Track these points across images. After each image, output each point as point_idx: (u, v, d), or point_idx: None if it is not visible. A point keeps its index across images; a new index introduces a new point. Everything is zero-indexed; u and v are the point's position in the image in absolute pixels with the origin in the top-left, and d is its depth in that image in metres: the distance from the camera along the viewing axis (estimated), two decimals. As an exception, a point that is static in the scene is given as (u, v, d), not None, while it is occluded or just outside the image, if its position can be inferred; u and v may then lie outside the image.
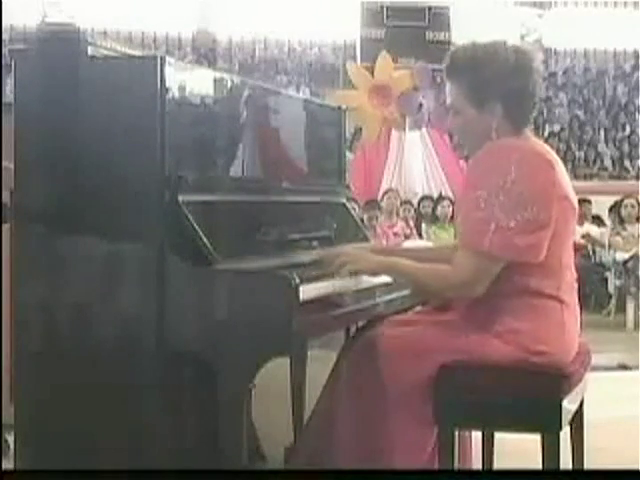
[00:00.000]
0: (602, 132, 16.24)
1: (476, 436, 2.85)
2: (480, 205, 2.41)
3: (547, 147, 2.59)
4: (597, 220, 10.18)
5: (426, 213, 9.62)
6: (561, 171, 2.52)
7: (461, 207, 2.59)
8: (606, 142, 16.02)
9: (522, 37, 17.36)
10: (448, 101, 2.59)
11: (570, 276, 2.57)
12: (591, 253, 9.63)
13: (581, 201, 10.34)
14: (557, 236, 2.48)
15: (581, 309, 2.62)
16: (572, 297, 2.57)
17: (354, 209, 3.88)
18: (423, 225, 9.42)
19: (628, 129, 16.26)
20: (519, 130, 2.56)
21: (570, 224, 2.55)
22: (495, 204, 2.39)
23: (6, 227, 2.81)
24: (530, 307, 2.48)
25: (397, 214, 9.23)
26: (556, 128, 15.84)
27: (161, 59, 2.50)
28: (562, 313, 2.51)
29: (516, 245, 2.40)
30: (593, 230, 9.72)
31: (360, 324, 2.96)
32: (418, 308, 3.31)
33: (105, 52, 2.71)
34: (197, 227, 2.46)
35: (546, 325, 2.48)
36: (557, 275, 2.51)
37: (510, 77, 2.51)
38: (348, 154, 7.47)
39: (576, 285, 2.60)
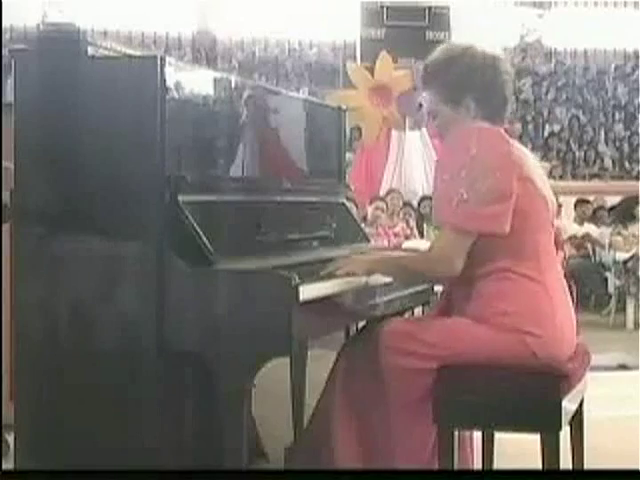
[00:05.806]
0: (602, 132, 16.22)
1: (476, 436, 2.85)
2: (445, 185, 2.51)
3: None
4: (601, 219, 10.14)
5: (426, 213, 9.61)
6: (523, 155, 2.58)
7: (433, 194, 2.67)
8: (606, 142, 16.00)
9: (522, 37, 17.34)
10: (425, 108, 2.70)
11: (555, 268, 2.60)
12: (591, 253, 9.61)
13: (581, 201, 10.41)
14: (527, 217, 2.51)
15: (580, 309, 2.62)
16: (559, 289, 2.58)
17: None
18: (425, 226, 9.41)
19: (628, 129, 16.24)
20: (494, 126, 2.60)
21: (537, 207, 2.56)
22: (457, 181, 2.47)
23: (6, 227, 2.81)
24: (514, 289, 2.51)
25: (398, 215, 9.23)
26: (556, 128, 15.82)
27: (161, 59, 2.50)
28: (549, 299, 2.52)
29: (477, 215, 2.46)
30: (593, 230, 9.70)
31: (360, 324, 2.97)
32: (418, 309, 3.32)
33: (105, 52, 2.71)
34: (197, 227, 2.46)
35: (532, 306, 2.49)
36: (536, 258, 2.54)
37: (477, 75, 2.61)
38: (348, 154, 7.46)
39: (565, 281, 2.63)
